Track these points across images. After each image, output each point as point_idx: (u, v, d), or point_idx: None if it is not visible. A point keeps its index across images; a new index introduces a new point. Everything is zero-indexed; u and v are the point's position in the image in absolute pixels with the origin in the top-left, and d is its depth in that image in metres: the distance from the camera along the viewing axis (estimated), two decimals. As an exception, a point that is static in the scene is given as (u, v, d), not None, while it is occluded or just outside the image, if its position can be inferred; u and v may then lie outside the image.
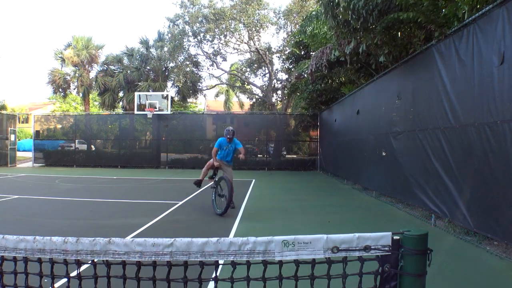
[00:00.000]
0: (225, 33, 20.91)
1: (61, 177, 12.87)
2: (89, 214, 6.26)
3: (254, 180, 12.16)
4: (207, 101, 36.82)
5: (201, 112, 26.21)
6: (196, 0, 20.46)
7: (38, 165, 18.70)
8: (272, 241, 0.99)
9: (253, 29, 20.31)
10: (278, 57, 22.68)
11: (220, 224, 5.62)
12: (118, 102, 23.88)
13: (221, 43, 21.94)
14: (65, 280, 1.11)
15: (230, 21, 20.12)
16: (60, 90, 22.50)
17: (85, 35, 22.63)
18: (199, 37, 21.45)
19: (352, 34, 7.52)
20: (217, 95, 30.08)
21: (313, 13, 12.13)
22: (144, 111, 17.83)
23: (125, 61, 23.19)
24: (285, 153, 18.99)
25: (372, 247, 0.98)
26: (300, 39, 14.29)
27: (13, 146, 18.59)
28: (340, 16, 6.97)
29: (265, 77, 24.36)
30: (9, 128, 18.35)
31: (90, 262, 1.10)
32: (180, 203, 7.48)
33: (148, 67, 22.29)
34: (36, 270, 1.14)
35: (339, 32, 7.80)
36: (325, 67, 9.49)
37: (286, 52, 20.63)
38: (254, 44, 21.50)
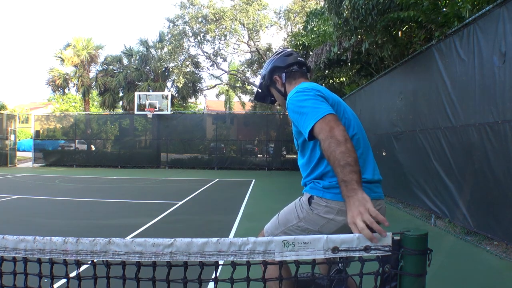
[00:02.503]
0: (225, 33, 20.91)
1: (61, 177, 12.87)
2: (89, 214, 6.26)
3: (254, 180, 12.16)
4: (207, 101, 36.83)
5: (201, 112, 26.19)
6: (195, 0, 20.45)
7: (38, 165, 18.70)
8: (272, 241, 0.99)
9: (253, 29, 20.29)
10: (278, 57, 22.64)
11: (220, 224, 5.61)
12: (118, 102, 23.88)
13: (221, 44, 21.94)
14: (64, 280, 1.11)
15: (230, 21, 20.11)
16: (60, 89, 22.52)
17: (85, 36, 22.77)
18: (199, 38, 21.45)
19: (352, 32, 7.53)
20: (217, 96, 30.07)
21: (318, 8, 12.13)
22: (144, 111, 17.83)
23: (125, 61, 23.19)
24: (285, 153, 18.98)
25: (372, 248, 0.98)
26: (301, 42, 14.29)
27: (13, 146, 18.59)
28: (345, 14, 6.97)
29: (265, 77, 24.31)
30: (9, 128, 18.35)
31: (89, 262, 1.10)
32: (180, 203, 7.47)
33: (148, 67, 22.30)
34: (36, 270, 1.14)
35: (340, 30, 7.79)
36: (324, 64, 9.48)
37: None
38: (254, 44, 21.50)
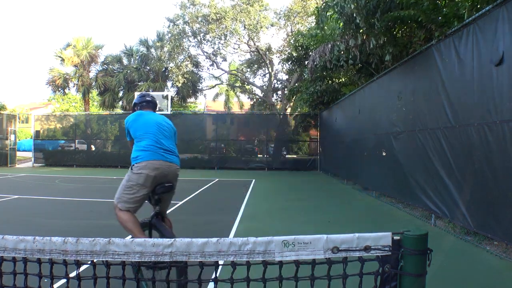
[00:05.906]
0: (225, 33, 20.88)
1: (61, 177, 12.87)
2: (89, 214, 6.26)
3: (254, 180, 12.15)
4: (207, 101, 36.82)
5: (201, 112, 26.18)
6: (196, 0, 20.42)
7: (38, 165, 18.69)
8: (272, 241, 0.99)
9: (253, 29, 20.27)
10: (277, 57, 22.67)
11: (220, 224, 5.61)
12: (118, 102, 23.86)
13: (221, 43, 21.92)
14: (64, 280, 1.11)
15: (231, 21, 20.08)
16: (60, 89, 22.51)
17: (85, 35, 22.73)
18: (199, 37, 21.43)
19: (355, 31, 7.53)
20: (216, 96, 30.02)
21: (319, 6, 12.05)
22: (144, 111, 17.80)
23: (125, 61, 23.19)
24: (285, 153, 18.98)
25: (372, 247, 0.98)
26: (300, 43, 14.29)
27: (13, 146, 18.58)
28: (349, 11, 6.96)
29: (265, 77, 24.36)
30: (9, 128, 18.34)
31: (89, 262, 1.10)
32: (180, 203, 7.47)
33: (148, 67, 22.29)
34: (36, 270, 1.14)
35: (346, 28, 7.78)
36: (330, 63, 9.48)
37: (286, 53, 20.63)
38: (254, 44, 21.48)
